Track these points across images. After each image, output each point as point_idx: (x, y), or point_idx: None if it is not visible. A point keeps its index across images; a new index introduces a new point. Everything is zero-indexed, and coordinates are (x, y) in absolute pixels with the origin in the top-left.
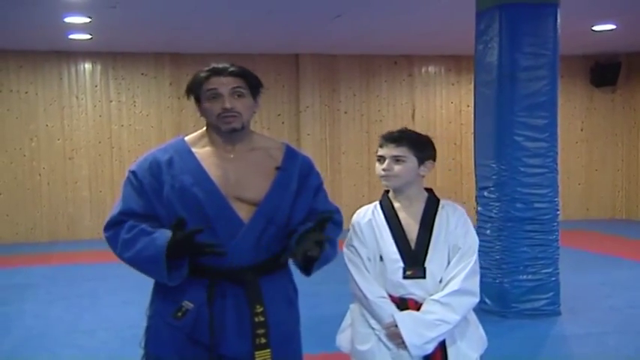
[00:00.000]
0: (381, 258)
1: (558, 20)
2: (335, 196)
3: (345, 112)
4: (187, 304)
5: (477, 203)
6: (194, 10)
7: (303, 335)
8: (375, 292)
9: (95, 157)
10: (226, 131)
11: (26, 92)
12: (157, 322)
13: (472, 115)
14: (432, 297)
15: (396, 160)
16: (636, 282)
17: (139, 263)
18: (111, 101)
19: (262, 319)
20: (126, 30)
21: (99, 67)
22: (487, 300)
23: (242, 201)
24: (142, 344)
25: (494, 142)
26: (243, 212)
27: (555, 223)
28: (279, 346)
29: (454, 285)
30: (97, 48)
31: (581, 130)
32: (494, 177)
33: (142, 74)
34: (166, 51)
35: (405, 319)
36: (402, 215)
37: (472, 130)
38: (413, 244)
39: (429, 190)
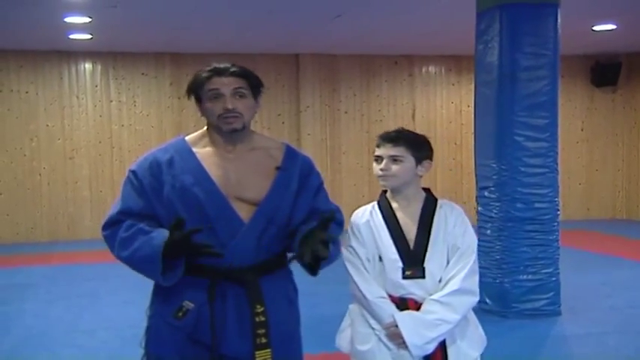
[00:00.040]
0: (380, 258)
1: (559, 20)
2: (335, 196)
3: (346, 112)
4: (188, 304)
5: (478, 203)
6: (194, 10)
7: (303, 335)
8: (375, 293)
9: (95, 157)
10: (227, 131)
11: (26, 92)
12: (157, 322)
13: (472, 115)
14: (432, 297)
15: (394, 160)
16: (636, 282)
17: (134, 262)
18: (111, 101)
19: (263, 318)
20: (126, 30)
21: (99, 67)
22: (487, 300)
23: (242, 201)
24: (143, 344)
25: (494, 142)
26: (244, 212)
27: (556, 223)
28: (280, 345)
29: (454, 284)
30: (98, 48)
31: (582, 130)
32: (494, 177)
33: (143, 74)
34: (167, 51)
35: (405, 319)
36: (400, 215)
37: (472, 130)
38: (411, 244)
39: (427, 190)
